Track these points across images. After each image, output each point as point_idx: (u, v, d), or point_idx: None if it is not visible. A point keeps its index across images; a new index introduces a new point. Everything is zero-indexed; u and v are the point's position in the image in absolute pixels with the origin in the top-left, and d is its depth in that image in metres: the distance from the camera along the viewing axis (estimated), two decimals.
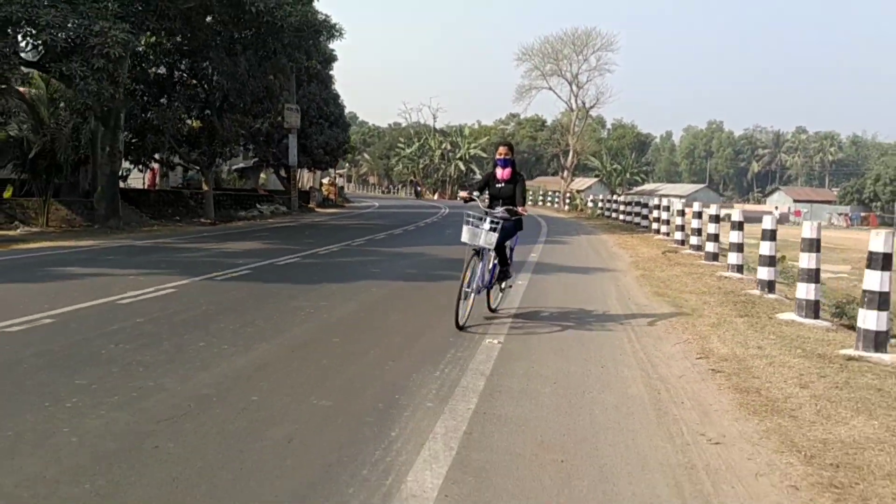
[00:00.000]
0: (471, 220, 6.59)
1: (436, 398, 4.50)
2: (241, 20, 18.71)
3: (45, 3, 14.17)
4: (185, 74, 24.13)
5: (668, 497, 3.19)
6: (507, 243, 7.15)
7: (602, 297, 9.10)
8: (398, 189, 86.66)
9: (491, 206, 6.91)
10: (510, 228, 6.98)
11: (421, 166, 76.34)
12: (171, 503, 2.98)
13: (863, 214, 71.88)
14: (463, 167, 74.08)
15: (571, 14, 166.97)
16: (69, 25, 14.34)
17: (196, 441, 3.65)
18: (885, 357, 5.65)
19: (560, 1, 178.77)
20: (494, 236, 6.56)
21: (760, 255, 9.44)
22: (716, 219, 13.44)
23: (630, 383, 5.06)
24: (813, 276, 7.36)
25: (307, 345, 5.96)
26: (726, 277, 10.78)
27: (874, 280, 5.83)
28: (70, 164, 20.06)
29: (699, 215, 15.22)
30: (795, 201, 79.98)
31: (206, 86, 24.39)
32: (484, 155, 72.22)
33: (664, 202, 20.35)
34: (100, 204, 19.15)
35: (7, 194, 20.88)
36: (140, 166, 26.16)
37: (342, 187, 57.26)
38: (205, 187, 26.01)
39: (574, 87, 59.06)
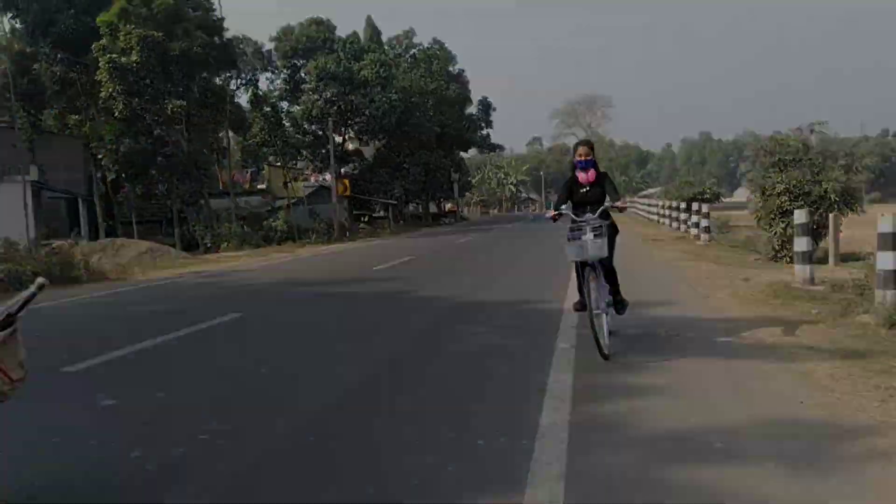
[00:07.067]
0: (570, 235, 5.85)
1: None
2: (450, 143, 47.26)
3: None
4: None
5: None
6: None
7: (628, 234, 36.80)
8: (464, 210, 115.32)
9: (577, 215, 6.09)
10: (610, 235, 6.03)
11: (484, 191, 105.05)
12: None
13: None
14: (514, 189, 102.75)
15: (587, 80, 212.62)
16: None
17: None
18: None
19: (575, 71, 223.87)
20: (603, 241, 5.78)
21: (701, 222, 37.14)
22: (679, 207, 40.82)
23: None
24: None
25: None
26: (680, 231, 38.17)
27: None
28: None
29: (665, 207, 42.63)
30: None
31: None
32: (526, 178, 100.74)
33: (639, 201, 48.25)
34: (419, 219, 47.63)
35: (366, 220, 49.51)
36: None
37: None
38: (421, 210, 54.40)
39: (588, 132, 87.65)
